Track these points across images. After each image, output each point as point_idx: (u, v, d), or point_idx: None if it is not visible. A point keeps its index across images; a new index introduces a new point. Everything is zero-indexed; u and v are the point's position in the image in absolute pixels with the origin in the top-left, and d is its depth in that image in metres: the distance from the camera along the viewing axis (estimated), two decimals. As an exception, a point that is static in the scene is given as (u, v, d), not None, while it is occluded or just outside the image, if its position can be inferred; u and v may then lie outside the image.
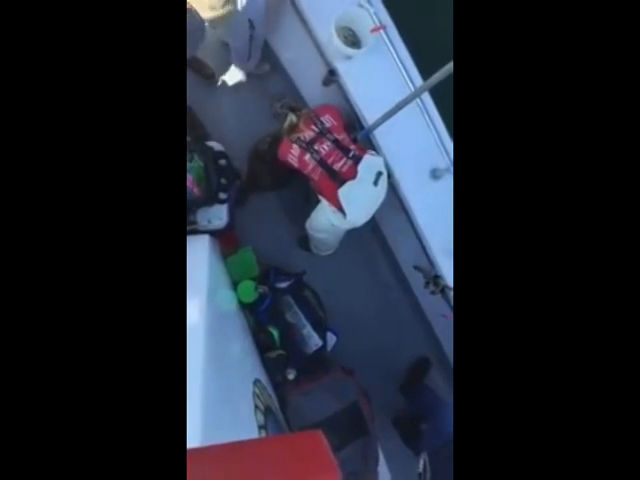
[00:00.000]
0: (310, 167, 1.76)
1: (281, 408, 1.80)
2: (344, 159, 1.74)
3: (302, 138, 1.77)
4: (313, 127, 1.78)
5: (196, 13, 1.85)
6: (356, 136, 1.85)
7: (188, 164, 1.72)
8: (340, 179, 1.72)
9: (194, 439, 0.83)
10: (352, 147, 1.77)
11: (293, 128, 1.85)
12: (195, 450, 0.57)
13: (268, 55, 2.33)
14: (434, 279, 1.89)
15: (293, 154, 1.78)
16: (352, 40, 1.83)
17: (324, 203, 1.83)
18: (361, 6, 1.76)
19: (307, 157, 1.75)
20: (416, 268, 2.07)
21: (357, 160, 1.73)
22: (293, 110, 1.90)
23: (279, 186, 2.30)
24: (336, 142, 1.76)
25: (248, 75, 2.35)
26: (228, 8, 1.92)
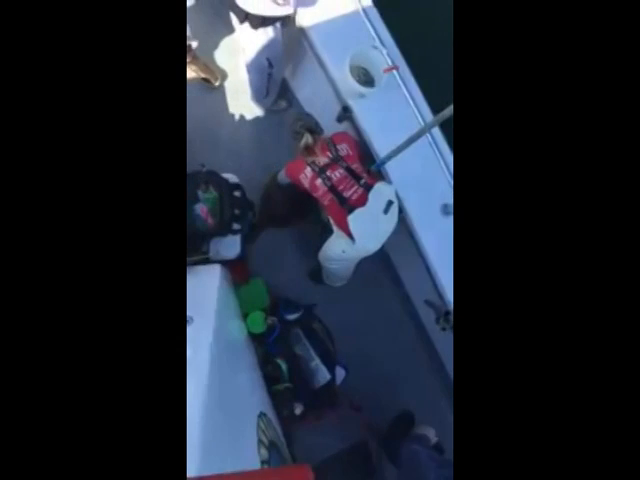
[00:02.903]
0: (320, 192, 1.79)
1: (287, 443, 1.76)
2: (355, 187, 1.76)
3: (316, 162, 1.81)
4: (328, 153, 1.81)
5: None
6: (369, 168, 1.88)
7: (203, 195, 1.77)
8: (349, 206, 1.73)
9: (190, 471, 0.82)
10: (364, 176, 1.79)
11: (308, 149, 1.88)
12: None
13: (285, 92, 2.41)
14: (445, 315, 1.87)
15: (306, 175, 1.81)
16: (365, 79, 1.89)
17: (336, 230, 1.84)
18: (375, 47, 1.83)
19: (319, 182, 1.78)
20: (427, 303, 2.05)
21: (368, 188, 1.74)
22: (311, 132, 1.94)
23: (293, 217, 2.32)
24: (349, 170, 1.78)
25: (266, 111, 2.43)
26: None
